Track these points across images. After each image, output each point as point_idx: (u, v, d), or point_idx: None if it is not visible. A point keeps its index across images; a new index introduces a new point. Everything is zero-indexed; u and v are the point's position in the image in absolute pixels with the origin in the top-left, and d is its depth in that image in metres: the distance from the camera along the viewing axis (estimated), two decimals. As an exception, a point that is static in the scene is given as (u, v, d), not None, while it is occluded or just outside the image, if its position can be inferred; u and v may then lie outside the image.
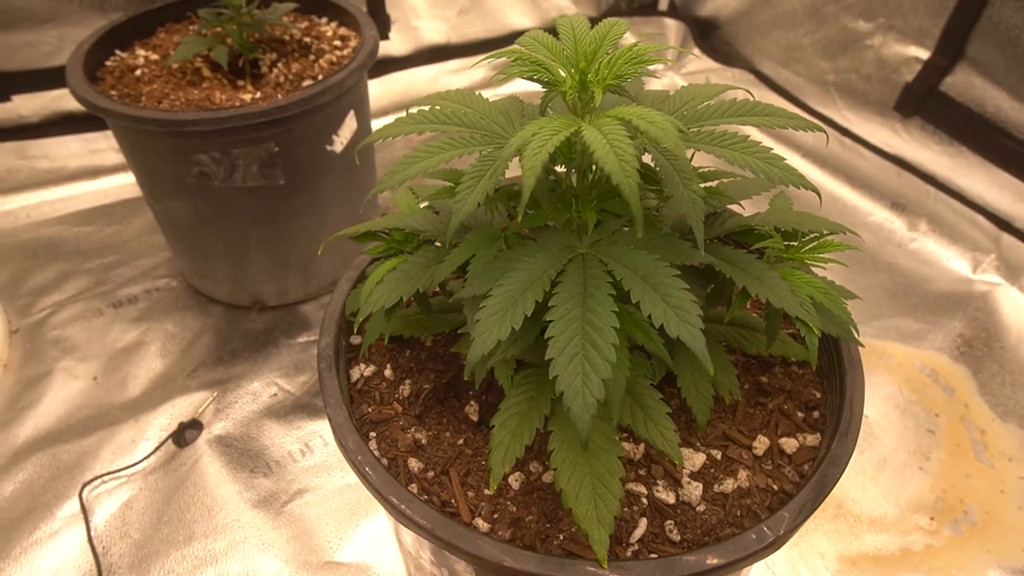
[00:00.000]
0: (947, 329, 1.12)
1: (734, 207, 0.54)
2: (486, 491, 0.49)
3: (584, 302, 0.41)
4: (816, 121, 0.45)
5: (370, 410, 0.54)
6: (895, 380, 1.06)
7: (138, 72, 1.04)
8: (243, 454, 0.95)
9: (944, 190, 1.21)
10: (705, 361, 0.40)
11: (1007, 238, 1.16)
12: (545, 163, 0.48)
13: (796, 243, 0.49)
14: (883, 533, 0.90)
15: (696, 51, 1.68)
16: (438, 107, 0.49)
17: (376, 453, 0.51)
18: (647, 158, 0.46)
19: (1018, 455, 0.97)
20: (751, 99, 0.48)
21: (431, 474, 0.50)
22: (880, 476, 0.95)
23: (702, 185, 0.49)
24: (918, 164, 1.24)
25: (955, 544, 0.89)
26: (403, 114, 0.48)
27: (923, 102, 1.18)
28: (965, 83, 1.13)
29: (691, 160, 0.48)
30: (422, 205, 0.56)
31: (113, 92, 0.99)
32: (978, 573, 0.85)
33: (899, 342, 1.11)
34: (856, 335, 0.48)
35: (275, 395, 1.03)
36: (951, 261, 1.22)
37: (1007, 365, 1.06)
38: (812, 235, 0.49)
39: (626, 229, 0.47)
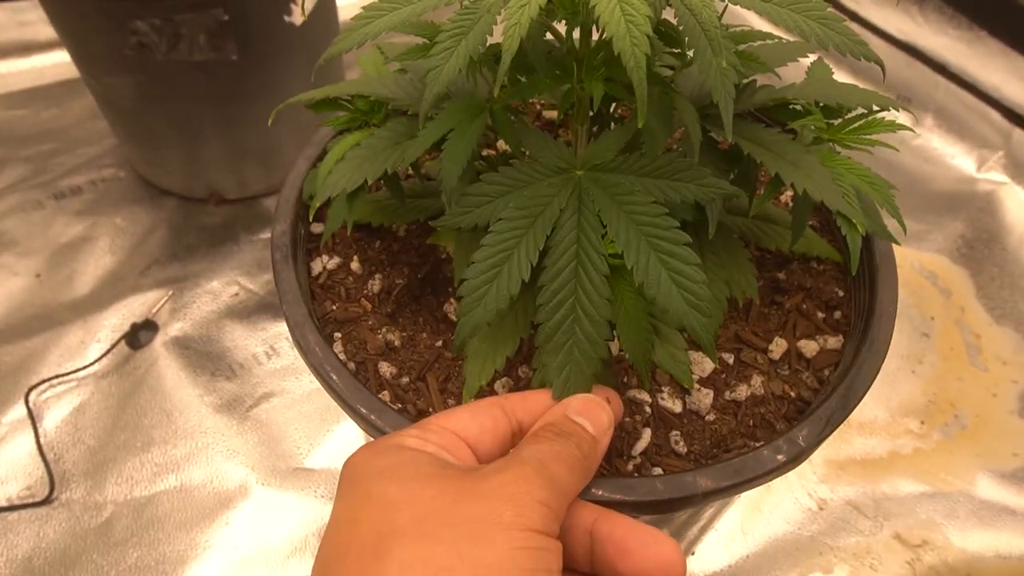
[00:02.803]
0: (948, 230, 1.07)
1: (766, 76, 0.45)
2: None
3: (576, 275, 0.37)
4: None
5: (334, 308, 0.47)
6: (892, 282, 1.01)
7: (60, -77, 0.89)
8: (203, 356, 0.89)
9: (956, 81, 1.13)
10: (709, 351, 0.38)
11: (1019, 133, 1.09)
12: (537, 18, 0.39)
13: (838, 121, 0.42)
14: (872, 437, 0.88)
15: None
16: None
17: (342, 356, 0.44)
18: (669, 13, 0.38)
19: (1012, 359, 0.94)
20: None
21: (405, 380, 0.44)
22: (872, 380, 0.92)
23: (732, 49, 0.41)
24: (931, 51, 1.15)
25: (944, 447, 0.87)
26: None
27: (944, -19, 1.08)
28: (993, -41, 1.03)
29: (722, 15, 0.40)
30: (392, 68, 0.47)
31: (31, -55, 0.85)
32: (966, 476, 0.84)
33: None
34: (902, 230, 0.42)
35: (236, 294, 0.95)
36: (955, 159, 1.15)
37: (1007, 267, 1.02)
38: (858, 112, 0.42)
39: (628, 152, 0.39)
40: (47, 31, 1.24)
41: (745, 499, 0.82)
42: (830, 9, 0.34)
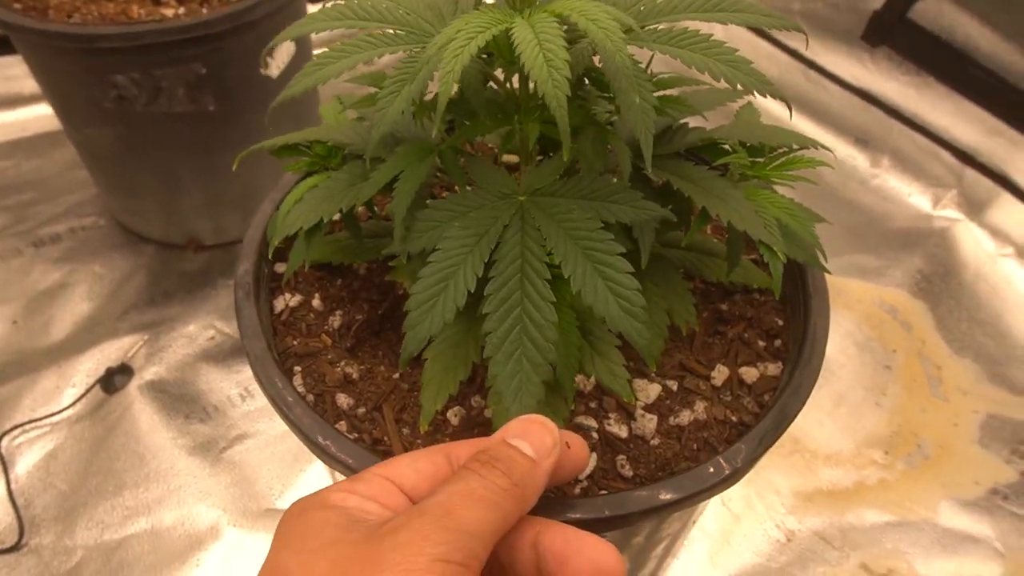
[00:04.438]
0: (906, 265, 1.10)
1: (697, 120, 0.49)
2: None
3: (522, 285, 0.38)
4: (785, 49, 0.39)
5: (295, 343, 0.49)
6: (854, 316, 1.04)
7: (46, -16, 0.94)
8: (178, 399, 0.90)
9: (909, 123, 1.18)
10: (647, 357, 0.39)
11: (970, 173, 1.14)
12: (478, 67, 0.42)
13: (762, 159, 0.45)
14: (838, 468, 0.89)
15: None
16: (356, 0, 0.43)
17: (301, 389, 0.46)
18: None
19: (972, 389, 0.97)
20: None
21: (362, 410, 0.45)
22: (837, 412, 0.94)
23: (660, 93, 0.45)
24: (883, 96, 1.21)
25: (908, 477, 0.89)
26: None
27: (891, 31, 1.14)
28: (935, 10, 1.09)
29: (650, 63, 0.43)
30: (352, 116, 0.50)
31: (17, 5, 0.89)
32: (930, 505, 0.85)
33: (859, 278, 1.09)
34: (824, 261, 0.45)
35: (212, 338, 0.97)
36: (912, 197, 1.20)
37: (964, 301, 1.06)
38: (781, 150, 0.45)
39: (567, 177, 0.42)
40: (31, 84, 1.27)
41: (714, 531, 0.83)
42: (738, 53, 0.37)
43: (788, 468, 0.89)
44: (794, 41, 1.31)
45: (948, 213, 1.16)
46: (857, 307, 1.06)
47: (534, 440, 0.33)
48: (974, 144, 1.13)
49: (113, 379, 0.90)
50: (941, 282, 1.08)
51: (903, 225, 1.17)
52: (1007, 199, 1.11)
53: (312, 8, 1.14)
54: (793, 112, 1.34)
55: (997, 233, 1.11)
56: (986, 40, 1.05)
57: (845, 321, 1.03)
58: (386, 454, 0.43)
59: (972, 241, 1.12)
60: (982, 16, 1.04)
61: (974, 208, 1.14)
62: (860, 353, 1.01)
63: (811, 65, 1.30)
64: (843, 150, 1.27)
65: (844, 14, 1.22)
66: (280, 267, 0.53)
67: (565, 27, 0.41)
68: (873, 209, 1.20)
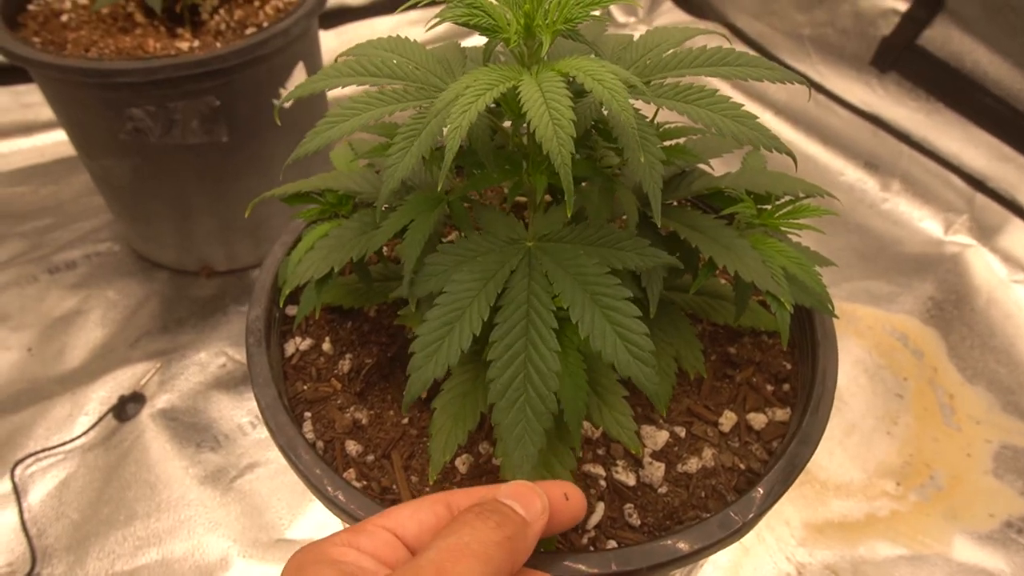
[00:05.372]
0: (917, 291, 1.10)
1: (703, 166, 0.49)
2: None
3: (527, 332, 0.38)
4: (795, 73, 0.40)
5: (305, 388, 0.49)
6: (865, 344, 1.04)
7: (64, 17, 0.95)
8: (189, 428, 0.90)
9: (918, 149, 1.18)
10: (657, 401, 0.38)
11: (980, 198, 1.13)
12: (486, 120, 0.43)
13: (769, 207, 0.45)
14: (849, 499, 0.89)
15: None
16: (366, 56, 0.43)
17: (310, 436, 0.46)
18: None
19: (986, 418, 0.96)
20: (724, 46, 0.43)
21: (371, 458, 0.46)
22: (848, 441, 0.94)
23: (666, 143, 0.45)
24: (893, 121, 1.21)
25: (921, 509, 0.88)
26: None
27: (900, 57, 1.14)
28: (943, 36, 1.09)
29: (656, 114, 0.44)
30: (362, 163, 0.51)
31: (35, 39, 0.91)
32: (943, 539, 0.84)
33: (869, 305, 1.08)
34: (831, 307, 0.45)
35: (224, 365, 0.97)
36: (923, 222, 1.20)
37: (976, 328, 1.05)
38: (787, 198, 0.45)
39: (575, 224, 0.42)
40: (48, 112, 1.29)
41: (725, 564, 0.82)
42: (744, 108, 0.38)
43: (798, 499, 0.88)
44: (804, 65, 1.31)
45: (959, 239, 1.15)
46: (868, 334, 1.05)
47: (524, 502, 0.34)
48: (984, 170, 1.13)
49: (125, 407, 0.91)
50: (953, 308, 1.08)
51: (914, 250, 1.16)
52: (1018, 225, 1.10)
53: (323, 35, 1.15)
54: (803, 136, 1.33)
55: (1009, 259, 1.11)
56: (995, 67, 1.05)
57: (856, 348, 1.03)
58: (394, 503, 0.43)
59: (984, 267, 1.11)
60: (991, 43, 1.04)
61: (985, 234, 1.13)
62: (871, 381, 1.00)
63: (820, 89, 1.30)
64: (853, 174, 1.27)
65: (854, 40, 1.22)
66: (292, 309, 0.54)
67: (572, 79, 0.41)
68: (884, 234, 1.19)
